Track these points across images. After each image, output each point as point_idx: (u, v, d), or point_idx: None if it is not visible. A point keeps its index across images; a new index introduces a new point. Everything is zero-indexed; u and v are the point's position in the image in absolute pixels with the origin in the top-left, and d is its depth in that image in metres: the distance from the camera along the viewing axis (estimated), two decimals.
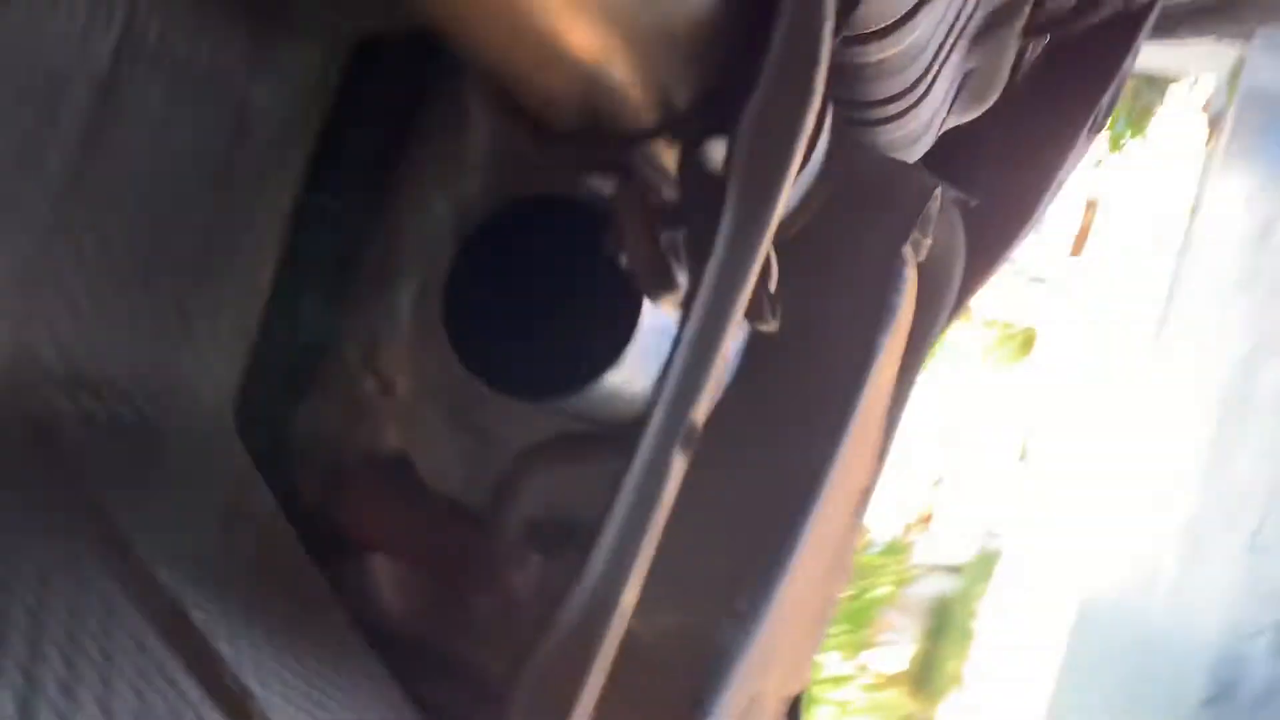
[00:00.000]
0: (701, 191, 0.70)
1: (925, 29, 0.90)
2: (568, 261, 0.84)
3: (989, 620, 14.95)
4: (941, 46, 1.01)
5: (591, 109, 0.68)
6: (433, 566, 0.97)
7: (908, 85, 0.96)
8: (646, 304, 0.81)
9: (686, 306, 0.75)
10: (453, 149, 0.92)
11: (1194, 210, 6.86)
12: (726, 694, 0.84)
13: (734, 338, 0.70)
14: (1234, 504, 3.37)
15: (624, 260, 0.74)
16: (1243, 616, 2.94)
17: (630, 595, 0.64)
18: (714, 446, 0.64)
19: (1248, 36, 4.94)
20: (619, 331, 0.80)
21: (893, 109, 0.99)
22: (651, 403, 0.90)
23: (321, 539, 0.94)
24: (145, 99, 0.71)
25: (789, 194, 0.66)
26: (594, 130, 0.70)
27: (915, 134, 1.15)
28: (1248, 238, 4.34)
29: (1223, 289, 4.42)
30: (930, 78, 1.02)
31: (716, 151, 0.70)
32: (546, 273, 0.85)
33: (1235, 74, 5.63)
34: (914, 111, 1.04)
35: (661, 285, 0.74)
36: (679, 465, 0.64)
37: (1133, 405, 6.44)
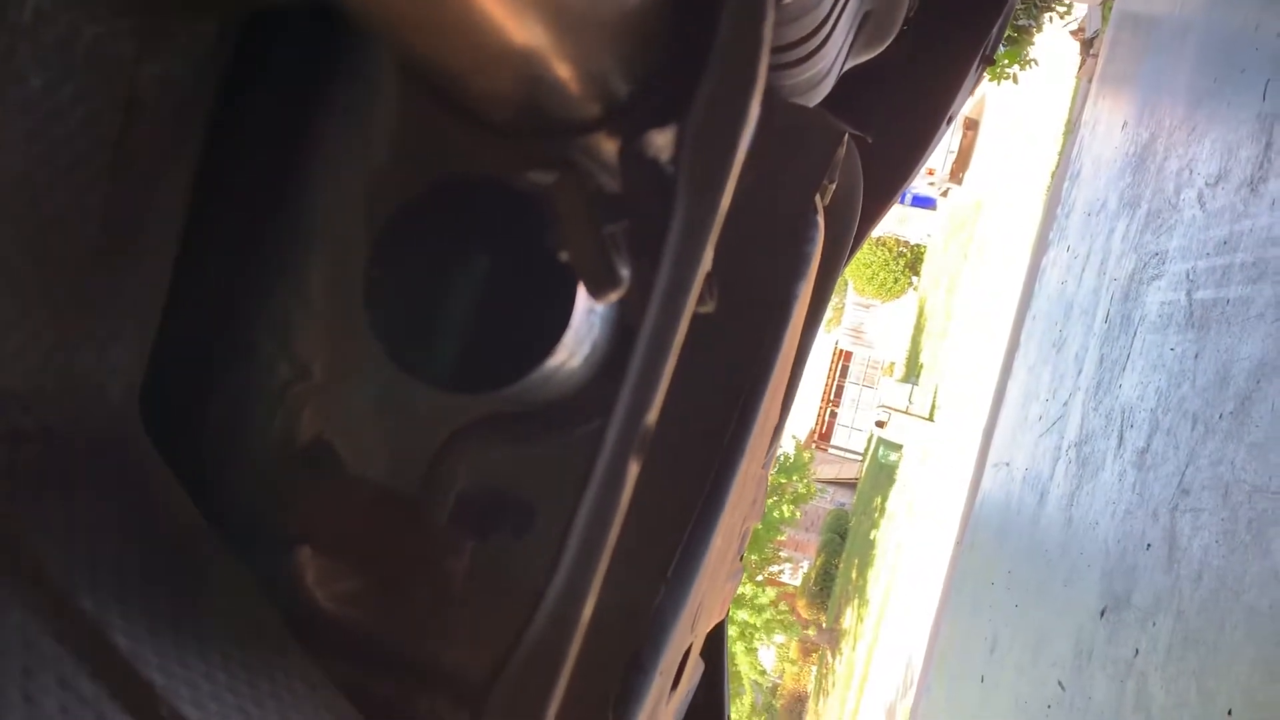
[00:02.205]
0: (644, 182, 0.67)
1: None
2: (495, 246, 0.80)
3: (886, 535, 15.61)
4: None
5: (530, 104, 0.64)
6: (362, 556, 0.92)
7: (810, 30, 0.96)
8: (579, 298, 0.77)
9: (630, 299, 0.72)
10: (358, 120, 0.86)
11: (1071, 133, 7.10)
12: (664, 654, 0.84)
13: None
14: (1121, 421, 3.54)
15: (564, 256, 0.71)
16: (1132, 530, 3.11)
17: (590, 606, 0.62)
18: None
19: None
20: (553, 319, 0.76)
21: (796, 54, 0.99)
22: (598, 382, 0.86)
23: (243, 535, 0.89)
24: (23, 86, 0.63)
25: (734, 183, 0.64)
26: (532, 124, 0.66)
27: (818, 77, 1.15)
28: (1127, 161, 4.50)
29: (1105, 211, 4.59)
30: (831, 22, 1.02)
31: (657, 140, 0.66)
32: (473, 259, 0.80)
33: None
34: (817, 55, 1.04)
35: (606, 282, 0.71)
36: (634, 472, 0.62)
37: (1018, 324, 6.70)
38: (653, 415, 0.65)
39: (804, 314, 1.09)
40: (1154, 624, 2.76)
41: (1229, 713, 2.22)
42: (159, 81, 0.75)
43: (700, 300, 0.75)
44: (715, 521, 0.89)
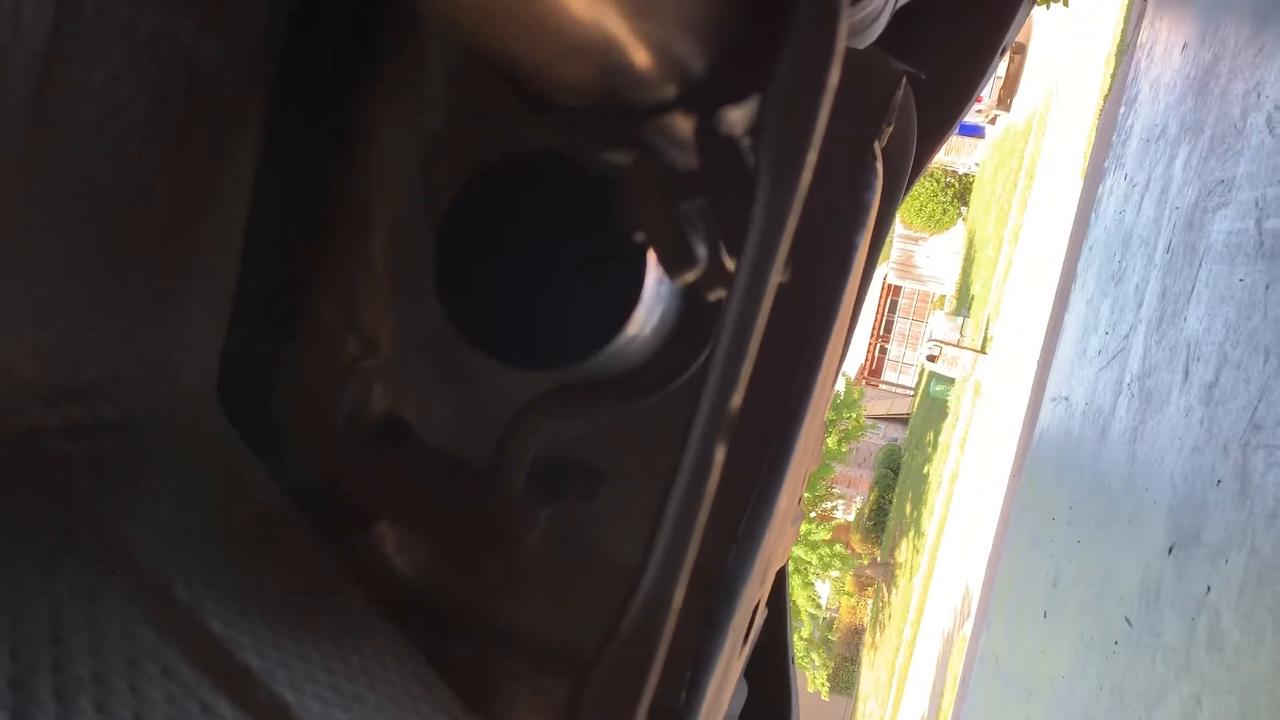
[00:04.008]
0: (721, 159, 0.66)
1: None
2: (564, 222, 0.80)
3: (939, 469, 15.54)
4: None
5: (606, 91, 0.63)
6: (439, 527, 0.95)
7: None
8: (649, 275, 0.77)
9: (707, 275, 0.72)
10: (420, 95, 0.86)
11: (1124, 55, 6.86)
12: (736, 612, 0.85)
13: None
14: (1186, 355, 3.47)
15: (639, 236, 0.71)
16: (1201, 466, 3.07)
17: (682, 591, 0.64)
18: None
19: None
20: (624, 296, 0.77)
21: None
22: (668, 349, 0.87)
23: (322, 513, 0.92)
24: (90, 75, 0.65)
25: (816, 151, 0.63)
26: (607, 109, 0.65)
27: (872, 17, 1.13)
28: (1189, 84, 4.35)
29: (1165, 138, 4.45)
30: None
31: (733, 116, 0.66)
32: (543, 235, 0.81)
33: None
34: None
35: (683, 261, 0.71)
36: (721, 456, 0.63)
37: (1072, 255, 6.56)
38: (738, 399, 0.65)
39: (863, 262, 1.08)
40: (1226, 561, 2.73)
41: None
42: (218, 61, 0.76)
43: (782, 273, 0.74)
44: (782, 478, 0.90)
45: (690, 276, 0.72)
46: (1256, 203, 3.14)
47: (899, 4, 1.60)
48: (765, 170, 0.59)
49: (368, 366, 0.92)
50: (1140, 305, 4.27)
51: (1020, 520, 6.59)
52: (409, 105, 0.87)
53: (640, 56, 0.58)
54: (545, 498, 0.89)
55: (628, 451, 0.91)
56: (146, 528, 0.72)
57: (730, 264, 0.71)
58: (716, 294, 0.76)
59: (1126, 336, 4.35)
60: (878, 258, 1.62)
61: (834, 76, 0.59)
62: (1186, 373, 3.46)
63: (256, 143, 0.84)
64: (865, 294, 1.63)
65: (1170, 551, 3.12)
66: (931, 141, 1.86)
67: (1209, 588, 2.80)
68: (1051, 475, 5.68)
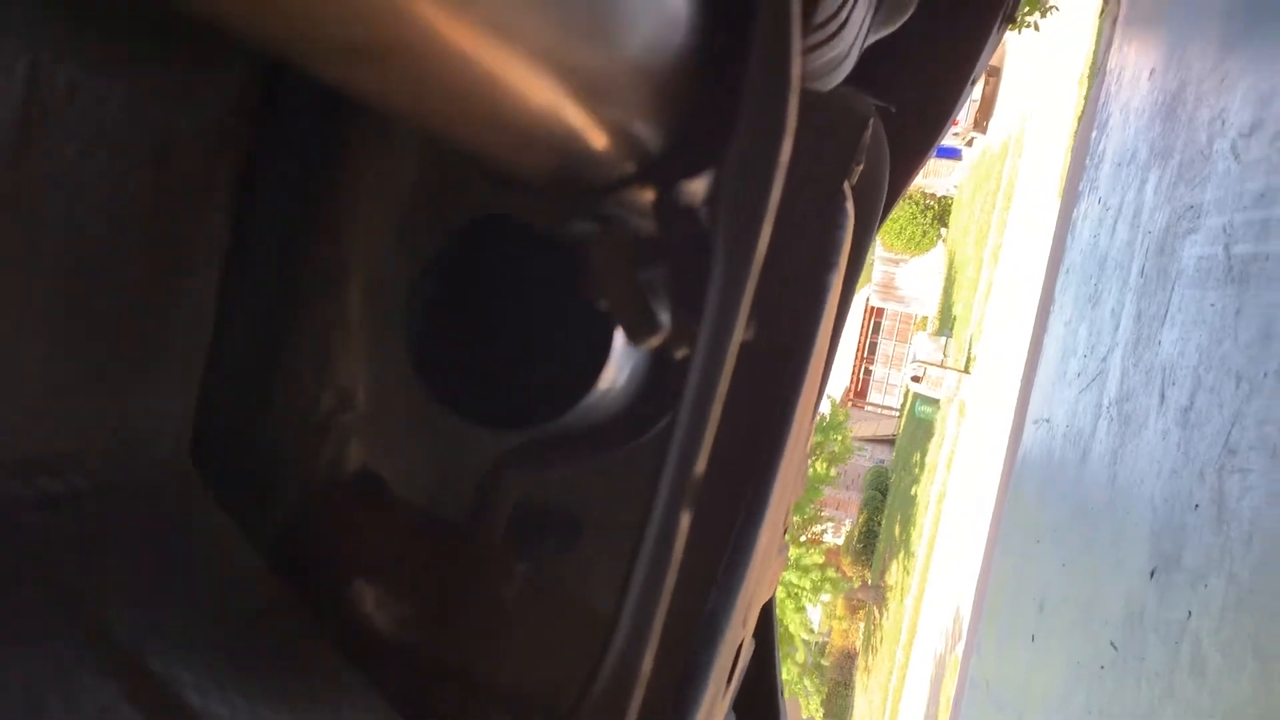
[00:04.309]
0: (681, 230, 0.68)
1: None
2: (534, 284, 0.82)
3: (927, 489, 15.53)
4: None
5: (565, 170, 0.65)
6: (417, 582, 0.95)
7: (831, 12, 0.96)
8: (615, 343, 0.79)
9: (669, 344, 0.73)
10: (384, 152, 0.88)
11: (1096, 79, 6.96)
12: (718, 657, 0.86)
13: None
14: (1162, 379, 3.51)
15: (603, 303, 0.73)
16: (1179, 489, 3.09)
17: (650, 656, 0.64)
18: None
19: None
20: (593, 356, 0.79)
21: (817, 37, 0.99)
22: (635, 403, 0.88)
23: (300, 572, 0.92)
24: (62, 147, 0.65)
25: (770, 225, 0.65)
26: (567, 185, 0.67)
27: (840, 58, 1.15)
28: (1156, 110, 4.42)
29: (1136, 162, 4.51)
30: (851, 2, 1.01)
31: (692, 188, 0.68)
32: (513, 296, 0.82)
33: None
34: (838, 37, 1.04)
35: (644, 329, 0.72)
36: (686, 523, 0.64)
37: (1051, 277, 6.62)
38: (701, 464, 0.67)
39: (838, 298, 1.09)
40: (1205, 586, 2.75)
41: None
42: (189, 132, 0.77)
43: (746, 328, 0.76)
44: (761, 519, 0.90)
45: (654, 342, 0.74)
46: (1224, 228, 3.18)
47: (867, 43, 1.62)
48: (722, 244, 0.61)
49: (343, 422, 0.92)
50: (1117, 328, 4.31)
51: (1006, 543, 6.60)
52: (383, 171, 0.89)
53: (597, 140, 0.59)
54: (522, 550, 0.89)
55: (603, 500, 0.91)
56: (122, 600, 0.72)
57: (694, 326, 0.72)
58: (683, 352, 0.77)
59: (1104, 359, 4.39)
60: (854, 289, 1.64)
61: (785, 154, 0.61)
62: (1163, 396, 3.49)
63: (229, 209, 0.85)
64: (843, 325, 1.65)
65: (1152, 575, 3.14)
66: (906, 170, 1.88)
67: (1190, 612, 2.81)
68: (1035, 497, 5.70)
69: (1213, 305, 3.12)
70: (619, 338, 0.79)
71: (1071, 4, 8.38)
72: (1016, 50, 14.36)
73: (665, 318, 0.72)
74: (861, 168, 1.11)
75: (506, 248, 0.82)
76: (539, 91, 0.51)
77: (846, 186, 1.04)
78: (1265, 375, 2.58)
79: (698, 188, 0.65)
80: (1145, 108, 4.66)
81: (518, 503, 0.91)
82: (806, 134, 1.03)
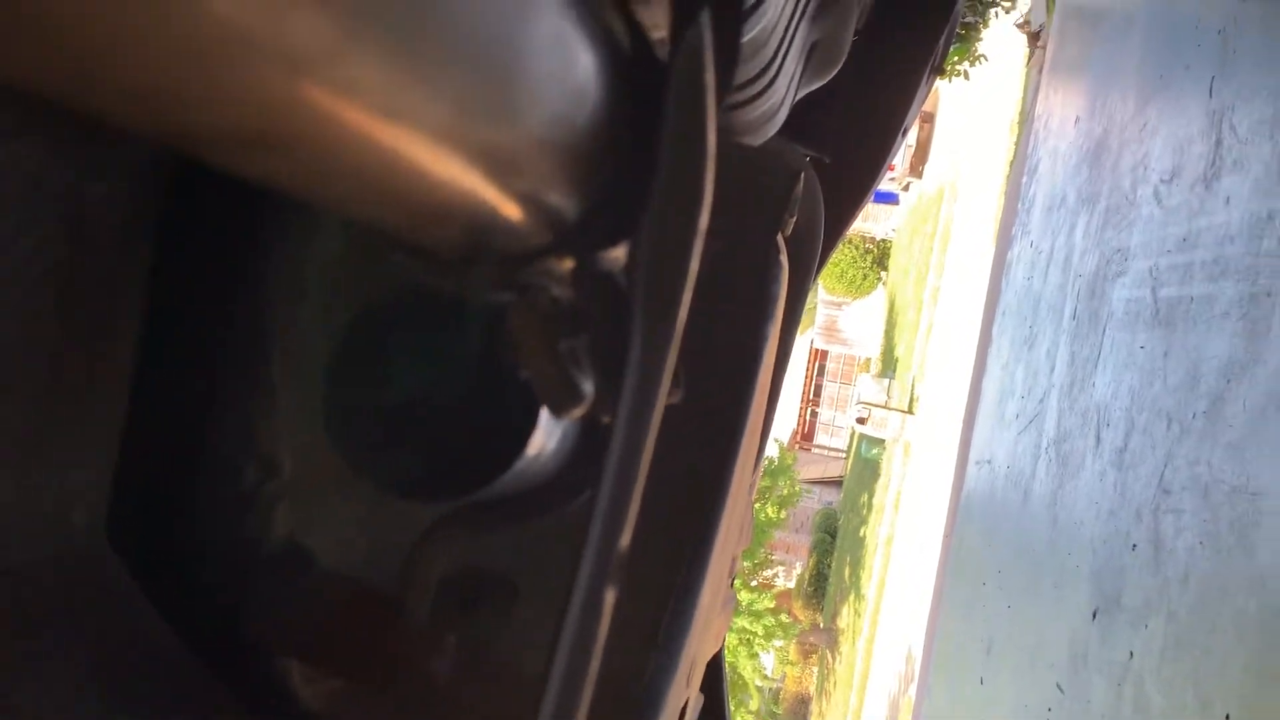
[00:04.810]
0: (600, 299, 0.67)
1: (773, 13, 0.90)
2: (457, 355, 0.80)
3: (875, 530, 15.62)
4: (788, 28, 1.02)
5: (480, 244, 0.64)
6: (346, 656, 0.92)
7: (761, 68, 0.98)
8: (542, 415, 0.78)
9: (594, 411, 0.72)
10: (304, 224, 0.86)
11: (1025, 125, 7.16)
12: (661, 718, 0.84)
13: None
14: (1097, 420, 3.56)
15: (524, 374, 0.71)
16: (1117, 530, 3.12)
17: (589, 694, 0.62)
18: None
19: None
20: (519, 425, 0.77)
21: (747, 93, 1.01)
22: (566, 471, 0.86)
23: (222, 650, 0.88)
24: None
25: (690, 291, 0.65)
26: (483, 258, 0.66)
27: (770, 113, 1.17)
28: (1083, 156, 4.54)
29: (1065, 206, 4.62)
30: (780, 57, 1.03)
31: (610, 257, 0.67)
32: (435, 367, 0.80)
33: None
34: (768, 91, 1.05)
35: (565, 399, 0.71)
36: (611, 599, 0.63)
37: (988, 319, 6.74)
38: (626, 536, 0.65)
39: (775, 351, 1.09)
40: (1146, 626, 2.77)
41: (1226, 717, 2.23)
42: (103, 202, 0.74)
43: (672, 393, 0.75)
44: (701, 578, 0.89)
45: (576, 413, 0.72)
46: (1150, 271, 3.26)
47: (800, 95, 1.64)
48: (640, 312, 0.60)
49: (268, 495, 0.90)
50: (1052, 370, 4.38)
51: (953, 584, 6.64)
52: (302, 241, 0.87)
53: (509, 212, 0.58)
54: (453, 621, 0.87)
55: (534, 568, 0.89)
56: (32, 685, 0.69)
57: (617, 395, 0.72)
58: (609, 418, 0.76)
59: (1041, 401, 4.45)
60: (793, 337, 1.63)
61: (703, 221, 0.60)
62: (1099, 438, 3.54)
63: (145, 280, 0.82)
64: (784, 373, 1.64)
65: (1094, 616, 3.16)
66: (842, 219, 1.89)
67: (1132, 653, 2.83)
68: (980, 539, 5.74)
69: (1142, 347, 3.18)
70: (545, 414, 0.78)
71: (1000, 53, 8.65)
72: (949, 97, 14.78)
73: (588, 387, 0.70)
74: (795, 219, 1.12)
75: (429, 317, 0.80)
76: (443, 169, 0.50)
77: (780, 239, 1.04)
78: (1194, 416, 2.63)
79: (616, 256, 0.64)
80: (1072, 154, 4.79)
81: (448, 572, 0.89)
82: (736, 189, 1.04)
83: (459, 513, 0.87)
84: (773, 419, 1.62)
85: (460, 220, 0.59)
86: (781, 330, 1.21)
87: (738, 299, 0.99)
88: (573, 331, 0.69)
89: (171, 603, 0.88)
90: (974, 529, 5.98)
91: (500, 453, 0.76)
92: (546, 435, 0.79)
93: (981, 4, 7.44)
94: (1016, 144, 7.82)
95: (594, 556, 0.63)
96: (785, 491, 17.74)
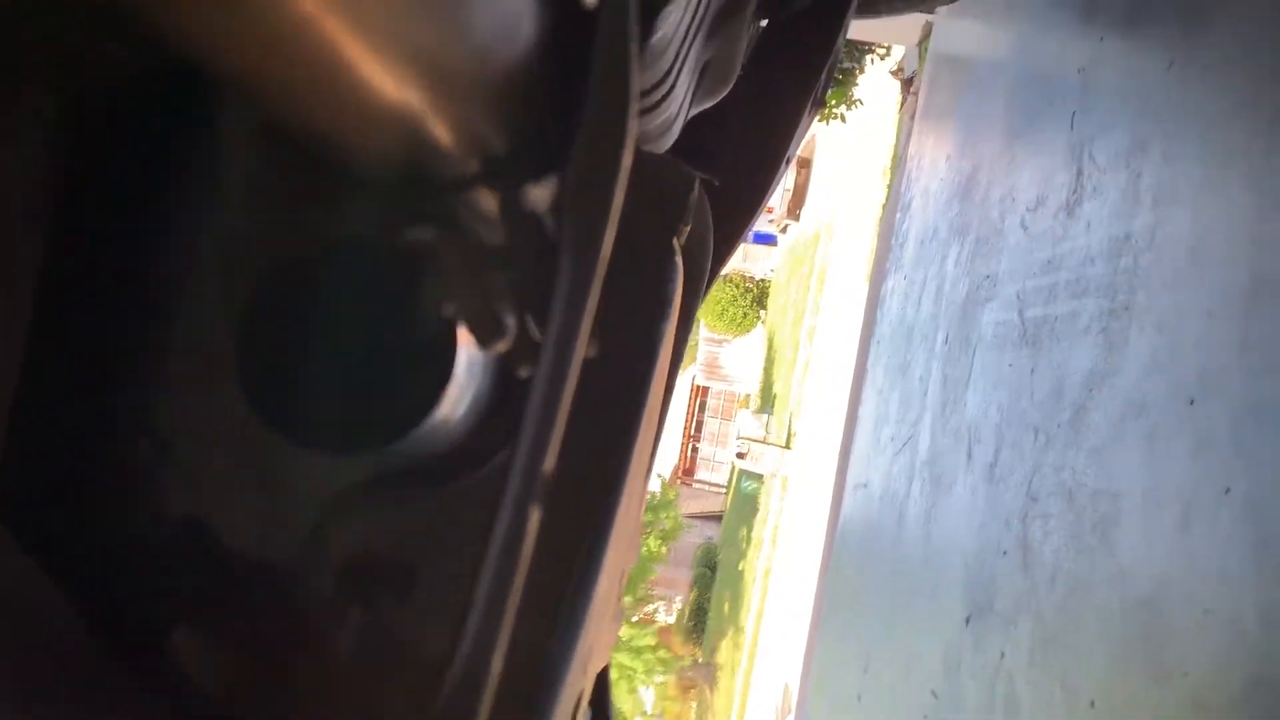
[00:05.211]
0: (526, 234, 0.69)
1: (671, 23, 0.95)
2: (372, 301, 0.79)
3: (753, 564, 15.81)
4: (684, 40, 1.08)
5: (406, 162, 0.65)
6: (244, 634, 0.89)
7: (659, 77, 1.02)
8: (461, 348, 0.78)
9: (516, 349, 0.73)
10: (218, 181, 0.84)
11: (898, 167, 7.50)
12: (559, 699, 0.84)
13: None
14: (969, 438, 3.72)
15: (448, 309, 0.72)
16: (988, 539, 3.26)
17: (499, 661, 0.62)
18: None
19: (933, 10, 5.42)
20: (436, 373, 0.77)
21: (648, 100, 1.05)
22: (481, 433, 0.86)
23: (119, 624, 0.85)
24: None
25: (613, 232, 0.67)
26: (409, 181, 0.67)
27: (668, 124, 1.22)
28: (954, 191, 4.77)
29: (937, 239, 4.83)
30: (676, 69, 1.08)
31: (536, 193, 0.69)
32: (349, 315, 0.80)
33: (925, 41, 6.17)
34: (665, 103, 1.10)
35: (492, 332, 0.72)
36: (536, 521, 0.64)
37: (863, 351, 6.97)
38: (551, 461, 0.66)
39: (670, 353, 1.12)
40: (1015, 627, 2.89)
41: (1092, 704, 2.35)
42: None
43: (588, 346, 0.77)
44: (603, 555, 0.90)
45: (501, 346, 0.73)
46: (1018, 295, 3.44)
47: (691, 113, 1.70)
48: (566, 249, 0.62)
49: (164, 469, 0.87)
50: (925, 394, 4.55)
51: (831, 609, 6.78)
52: (214, 199, 0.85)
53: (439, 130, 0.59)
54: (357, 597, 0.85)
55: (445, 542, 0.88)
56: None
57: (539, 337, 0.73)
58: (526, 370, 0.77)
59: (915, 424, 4.62)
60: (684, 352, 1.67)
61: (627, 159, 0.62)
62: (970, 454, 3.69)
63: (35, 250, 0.79)
64: (674, 385, 1.68)
65: (968, 623, 3.27)
66: (728, 243, 1.96)
67: (1002, 654, 2.94)
68: (857, 561, 5.89)
69: (1010, 366, 3.35)
70: (463, 358, 0.78)
71: (875, 99, 9.05)
72: (826, 143, 15.33)
73: (511, 321, 0.72)
74: (689, 229, 1.16)
75: (345, 265, 0.80)
76: (382, 64, 0.51)
77: (676, 244, 1.08)
78: (1059, 426, 2.77)
79: (543, 194, 0.66)
80: (943, 190, 5.02)
81: (352, 552, 0.87)
82: (638, 189, 1.08)
83: (366, 483, 0.85)
84: (662, 430, 1.64)
85: (392, 129, 0.60)
86: (675, 341, 1.24)
87: (637, 294, 1.02)
88: (498, 268, 0.71)
89: (65, 580, 0.85)
90: (851, 553, 6.13)
91: (416, 401, 0.76)
92: (462, 391, 0.79)
93: (858, 51, 7.78)
94: (890, 186, 8.16)
95: (520, 471, 0.64)
96: (668, 525, 17.83)
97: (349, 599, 0.85)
